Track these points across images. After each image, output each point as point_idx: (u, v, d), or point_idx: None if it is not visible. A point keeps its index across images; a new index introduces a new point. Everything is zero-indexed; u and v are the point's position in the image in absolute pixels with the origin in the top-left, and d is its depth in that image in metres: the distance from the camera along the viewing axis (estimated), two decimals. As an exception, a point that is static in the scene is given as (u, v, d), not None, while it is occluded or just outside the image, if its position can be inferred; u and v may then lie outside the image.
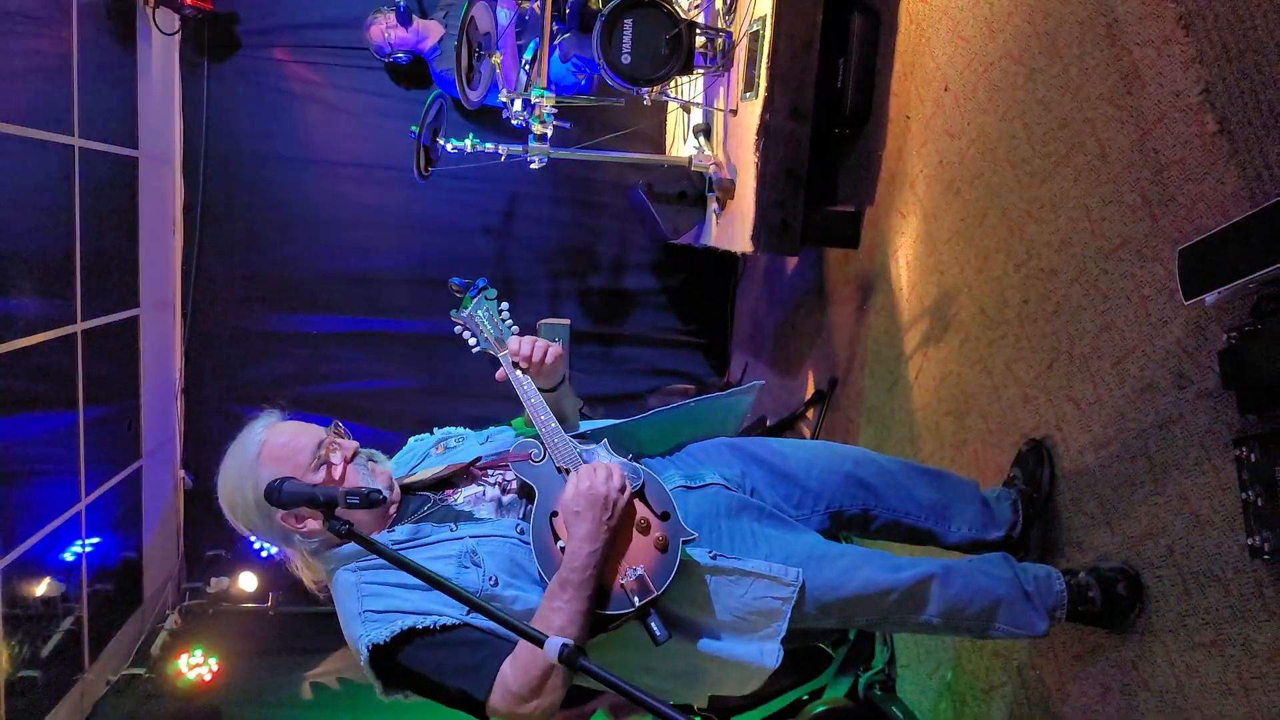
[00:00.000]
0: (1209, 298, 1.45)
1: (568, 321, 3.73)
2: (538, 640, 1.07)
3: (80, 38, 3.46)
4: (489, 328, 1.59)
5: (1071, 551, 1.93)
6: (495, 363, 1.57)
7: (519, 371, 1.53)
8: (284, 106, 4.43)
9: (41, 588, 3.37)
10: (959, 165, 2.47)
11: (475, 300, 1.62)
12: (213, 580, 4.47)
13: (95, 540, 3.74)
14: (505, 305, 1.62)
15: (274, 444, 1.42)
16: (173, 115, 4.32)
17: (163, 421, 4.39)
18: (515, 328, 1.60)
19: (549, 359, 1.55)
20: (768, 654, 1.46)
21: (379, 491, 1.19)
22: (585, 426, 1.63)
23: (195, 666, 3.94)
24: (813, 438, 3.51)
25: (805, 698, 2.71)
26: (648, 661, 1.40)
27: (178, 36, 4.23)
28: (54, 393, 3.43)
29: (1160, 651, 1.67)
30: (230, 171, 4.42)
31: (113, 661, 3.91)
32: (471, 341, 1.60)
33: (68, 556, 3.54)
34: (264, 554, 4.39)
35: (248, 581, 4.43)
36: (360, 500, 1.18)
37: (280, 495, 1.21)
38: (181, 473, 4.55)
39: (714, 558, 1.45)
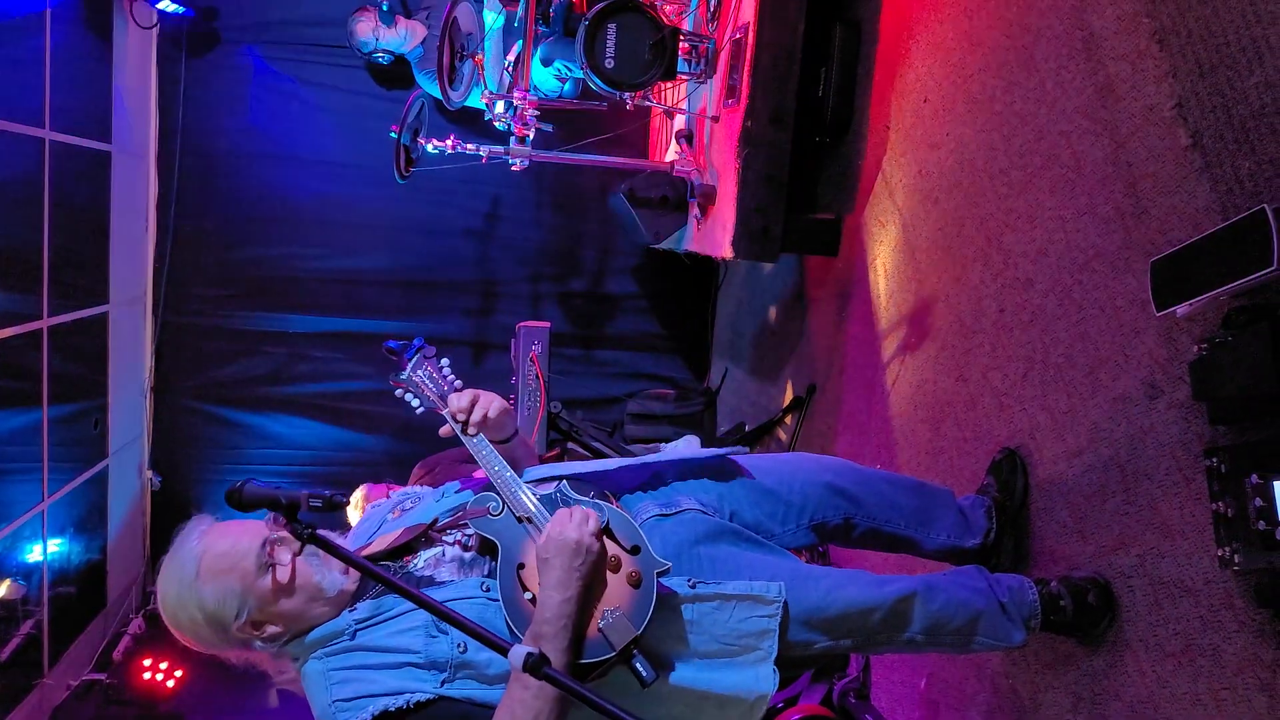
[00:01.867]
0: (1180, 309, 1.46)
1: (548, 325, 3.71)
2: (502, 649, 1.04)
3: (54, 28, 3.40)
4: (431, 386, 1.53)
5: (1044, 561, 1.94)
6: (443, 420, 1.51)
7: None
8: (263, 103, 4.38)
9: (1, 589, 3.29)
10: (938, 175, 2.49)
11: (414, 361, 1.55)
12: (180, 584, 4.38)
13: (58, 541, 3.66)
14: (446, 361, 1.55)
15: (213, 555, 1.32)
16: (148, 110, 4.25)
17: (131, 420, 4.30)
18: (459, 383, 1.53)
19: (491, 414, 1.47)
20: (763, 678, 1.42)
21: (341, 494, 1.16)
22: (542, 472, 1.55)
23: (159, 672, 3.86)
24: (790, 444, 3.51)
25: (780, 705, 2.70)
26: (638, 709, 1.34)
27: (155, 30, 4.17)
28: (18, 389, 3.35)
29: (1131, 661, 1.68)
30: (206, 168, 4.36)
31: (74, 666, 3.82)
32: (415, 403, 1.54)
33: (29, 558, 3.46)
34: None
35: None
36: (324, 503, 1.15)
37: (242, 498, 1.17)
38: (149, 473, 4.47)
39: (693, 586, 1.41)
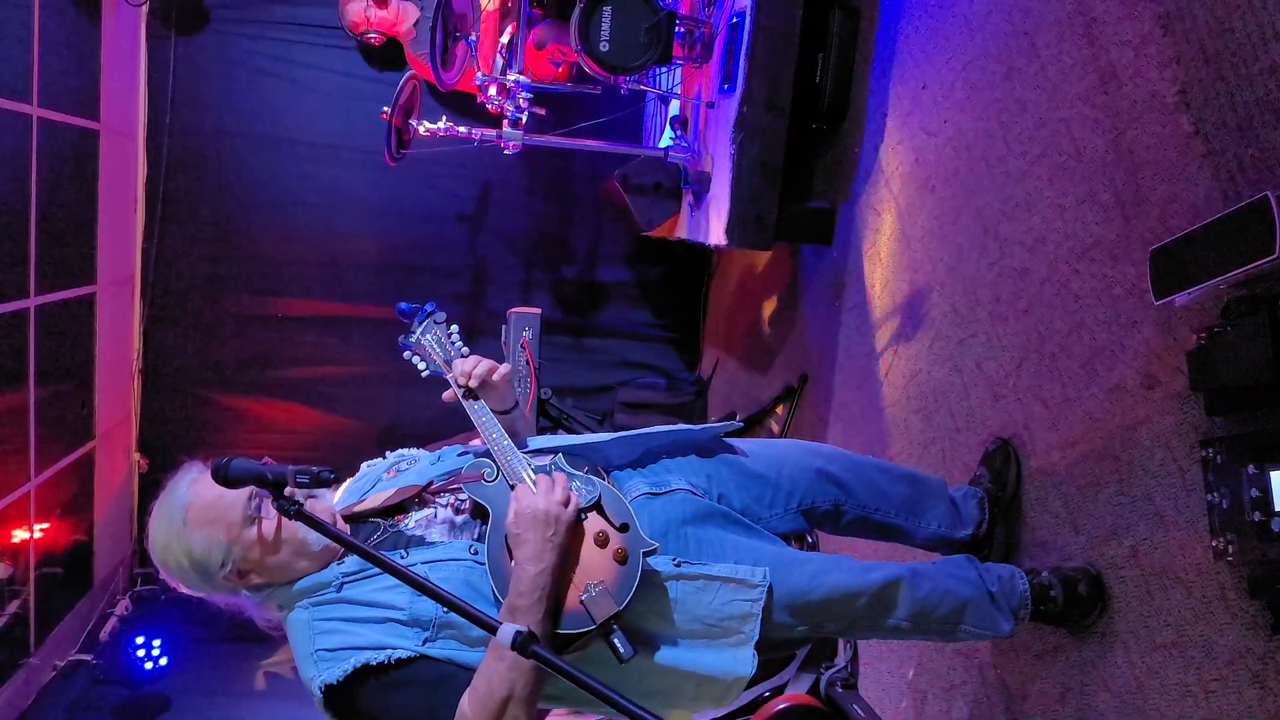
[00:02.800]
0: (1179, 299, 1.45)
1: (538, 311, 3.68)
2: (491, 628, 1.03)
3: (42, 3, 3.35)
4: (438, 351, 1.55)
5: (1035, 551, 1.93)
6: (447, 385, 1.53)
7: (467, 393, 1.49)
8: (253, 83, 4.33)
9: (-15, 570, 3.26)
10: (935, 163, 2.47)
11: (423, 325, 1.58)
12: (166, 566, 4.36)
13: (44, 522, 3.63)
14: (455, 327, 1.58)
15: (200, 504, 1.35)
16: (137, 88, 4.19)
17: (118, 402, 4.27)
18: (465, 349, 1.55)
19: (495, 378, 1.49)
20: (742, 661, 1.43)
21: (329, 470, 1.15)
22: (541, 444, 1.57)
23: (145, 653, 3.84)
24: (782, 433, 3.50)
25: (767, 695, 2.70)
26: (618, 683, 1.32)
27: (144, 7, 4.11)
28: (5, 369, 3.31)
29: (1121, 652, 1.68)
30: (196, 148, 4.30)
31: (60, 646, 3.80)
32: (421, 366, 1.56)
33: (15, 538, 3.43)
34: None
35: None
36: (310, 479, 1.14)
37: (228, 474, 1.16)
38: (137, 455, 4.43)
39: (678, 565, 1.41)
